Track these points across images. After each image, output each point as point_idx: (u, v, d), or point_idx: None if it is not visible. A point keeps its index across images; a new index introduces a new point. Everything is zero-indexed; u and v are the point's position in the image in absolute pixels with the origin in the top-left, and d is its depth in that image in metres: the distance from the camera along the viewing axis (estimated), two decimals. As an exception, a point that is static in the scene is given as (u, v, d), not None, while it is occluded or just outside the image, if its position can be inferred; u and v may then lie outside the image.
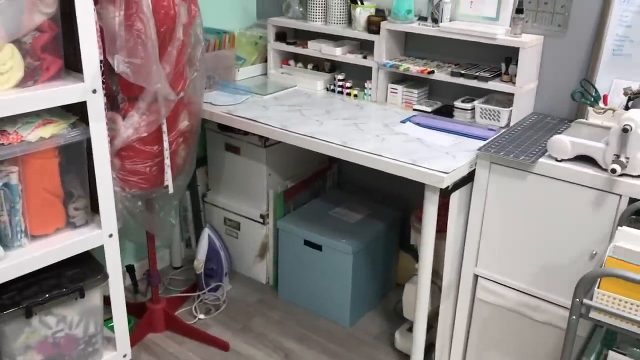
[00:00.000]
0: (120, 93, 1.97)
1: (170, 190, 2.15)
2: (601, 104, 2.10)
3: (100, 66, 1.72)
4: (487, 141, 2.10)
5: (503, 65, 2.30)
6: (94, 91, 1.70)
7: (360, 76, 2.67)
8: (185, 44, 2.01)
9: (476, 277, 2.15)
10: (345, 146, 2.11)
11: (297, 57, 2.89)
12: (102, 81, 1.73)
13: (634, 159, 1.76)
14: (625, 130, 1.74)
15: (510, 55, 2.26)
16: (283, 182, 2.80)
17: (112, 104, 1.98)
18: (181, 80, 2.04)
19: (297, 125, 2.29)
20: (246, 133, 2.61)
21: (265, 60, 2.92)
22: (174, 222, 2.35)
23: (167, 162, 2.08)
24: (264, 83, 2.83)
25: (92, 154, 1.75)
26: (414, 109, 2.51)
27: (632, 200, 1.77)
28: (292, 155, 2.79)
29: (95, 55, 1.68)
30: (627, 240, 1.51)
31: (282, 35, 2.86)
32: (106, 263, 1.88)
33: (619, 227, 1.59)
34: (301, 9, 2.77)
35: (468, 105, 2.37)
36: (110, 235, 1.86)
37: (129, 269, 2.77)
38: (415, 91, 2.53)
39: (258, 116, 2.38)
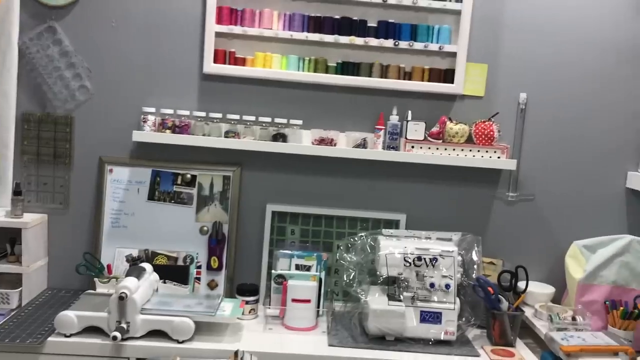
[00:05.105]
0: None
1: None
2: (106, 274, 2.26)
3: None
4: (-7, 329, 1.99)
5: (8, 246, 2.27)
6: None
7: None
8: None
9: None
10: None
11: None
12: None
13: (134, 323, 1.93)
14: (121, 298, 1.91)
15: (14, 236, 2.26)
16: None
17: None
18: None
19: None
20: None
21: None
22: None
23: None
24: None
25: None
26: None
27: (141, 360, 1.93)
28: None
29: None
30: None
31: None
32: None
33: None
34: None
35: (-26, 292, 2.22)
36: None
37: None
38: None
39: None
